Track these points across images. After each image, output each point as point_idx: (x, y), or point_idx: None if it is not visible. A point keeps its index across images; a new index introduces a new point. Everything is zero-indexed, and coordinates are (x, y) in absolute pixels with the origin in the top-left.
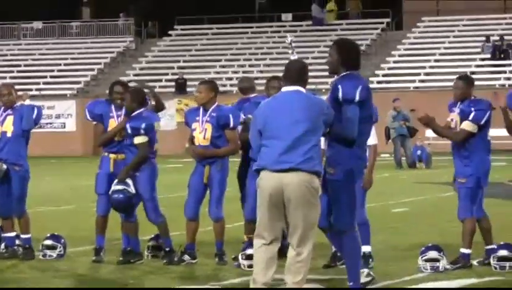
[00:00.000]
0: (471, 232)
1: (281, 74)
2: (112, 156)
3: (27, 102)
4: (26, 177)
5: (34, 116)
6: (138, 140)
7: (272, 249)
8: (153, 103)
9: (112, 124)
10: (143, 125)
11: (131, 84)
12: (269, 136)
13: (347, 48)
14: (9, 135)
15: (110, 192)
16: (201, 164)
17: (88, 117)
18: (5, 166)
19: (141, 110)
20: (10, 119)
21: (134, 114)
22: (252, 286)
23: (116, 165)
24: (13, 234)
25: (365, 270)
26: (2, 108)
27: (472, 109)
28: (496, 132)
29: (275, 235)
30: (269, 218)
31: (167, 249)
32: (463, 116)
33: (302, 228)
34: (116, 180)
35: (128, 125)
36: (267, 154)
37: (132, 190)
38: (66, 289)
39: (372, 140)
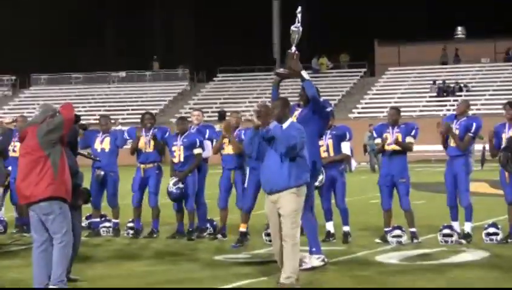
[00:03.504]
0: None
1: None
2: (142, 166)
3: (119, 127)
4: (117, 180)
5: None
6: (196, 151)
7: None
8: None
9: (142, 141)
10: (199, 140)
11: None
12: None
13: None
14: (107, 150)
15: (170, 188)
16: (229, 169)
17: (126, 136)
18: (102, 173)
19: (190, 130)
20: (107, 140)
21: (188, 132)
22: None
23: (145, 172)
24: (98, 219)
25: (321, 256)
26: (101, 132)
27: (415, 126)
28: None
29: None
30: None
31: (190, 229)
32: (405, 133)
33: None
34: (175, 180)
35: (197, 139)
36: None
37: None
38: (93, 289)
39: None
